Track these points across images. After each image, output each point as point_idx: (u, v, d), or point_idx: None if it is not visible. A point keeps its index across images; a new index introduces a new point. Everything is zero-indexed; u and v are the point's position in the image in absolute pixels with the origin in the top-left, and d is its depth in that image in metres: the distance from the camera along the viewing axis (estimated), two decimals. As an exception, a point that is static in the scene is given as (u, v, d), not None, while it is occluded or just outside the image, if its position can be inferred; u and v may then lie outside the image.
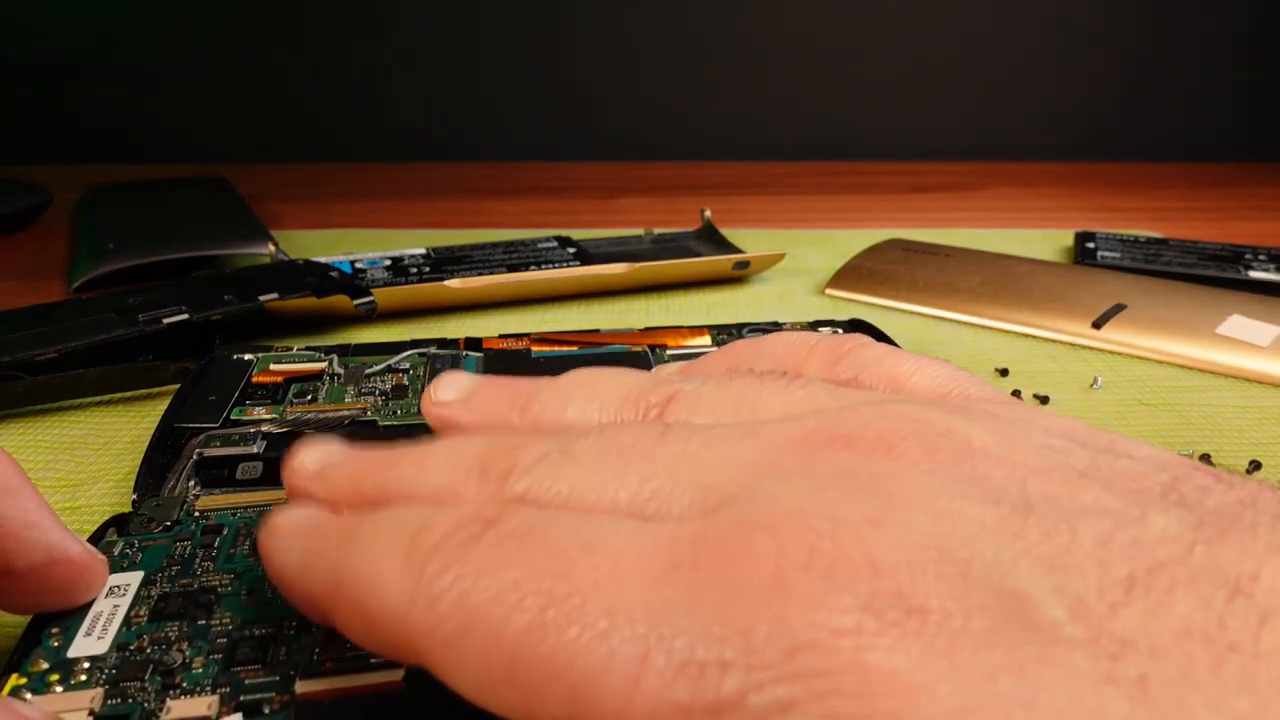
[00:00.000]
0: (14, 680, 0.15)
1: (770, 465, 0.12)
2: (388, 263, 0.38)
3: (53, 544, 0.16)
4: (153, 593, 0.17)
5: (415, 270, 0.37)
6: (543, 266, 0.38)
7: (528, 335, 0.30)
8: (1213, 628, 0.09)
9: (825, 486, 0.11)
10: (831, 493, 0.11)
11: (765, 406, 0.15)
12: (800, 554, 0.10)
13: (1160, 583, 0.09)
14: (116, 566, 0.18)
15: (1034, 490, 0.11)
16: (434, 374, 0.27)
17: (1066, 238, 0.48)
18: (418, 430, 0.24)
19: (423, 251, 0.40)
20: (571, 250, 0.40)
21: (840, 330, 0.31)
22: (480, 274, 0.37)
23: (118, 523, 0.19)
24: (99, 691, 0.15)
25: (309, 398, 0.25)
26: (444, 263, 0.38)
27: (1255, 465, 0.25)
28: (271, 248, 0.41)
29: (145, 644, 0.16)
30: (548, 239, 0.42)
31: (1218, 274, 0.40)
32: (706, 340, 0.30)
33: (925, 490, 0.11)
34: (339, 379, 0.26)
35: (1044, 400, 0.29)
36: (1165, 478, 0.11)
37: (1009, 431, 0.12)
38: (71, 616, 0.16)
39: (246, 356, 0.28)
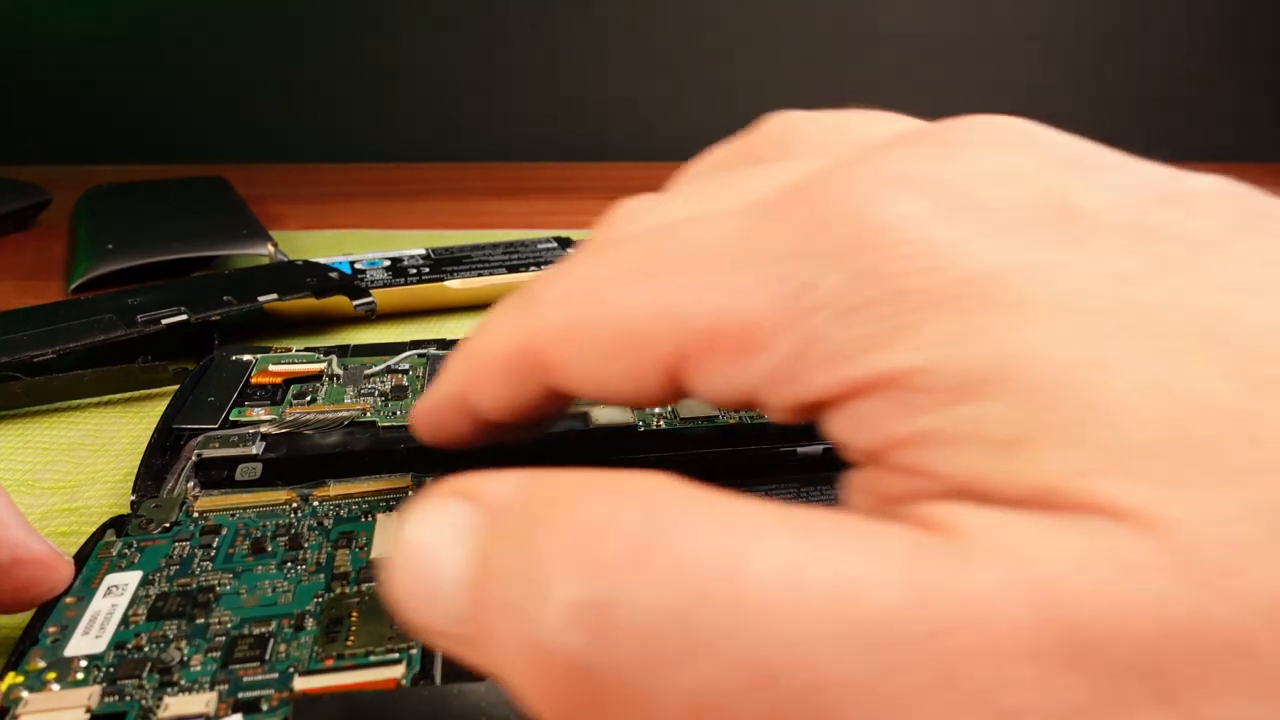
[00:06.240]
0: (10, 679, 0.15)
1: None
2: (387, 263, 0.38)
3: (17, 542, 0.16)
4: (151, 592, 0.17)
5: (415, 271, 0.37)
6: (543, 267, 0.38)
7: (527, 335, 0.30)
8: (1235, 227, 0.10)
9: (900, 146, 0.12)
10: (905, 144, 0.12)
11: (866, 135, 0.16)
12: (872, 173, 0.11)
13: (1192, 202, 0.11)
14: (115, 567, 0.18)
15: (1088, 154, 0.12)
16: (434, 375, 0.27)
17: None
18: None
19: (422, 252, 0.40)
20: (571, 251, 0.40)
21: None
22: (480, 274, 0.37)
23: (116, 524, 0.19)
24: (96, 689, 0.15)
25: (308, 399, 0.25)
26: (444, 263, 0.38)
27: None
28: (271, 248, 0.41)
29: (143, 642, 0.16)
30: (548, 239, 0.42)
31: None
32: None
33: (984, 144, 0.12)
34: (338, 380, 0.26)
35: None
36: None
37: (1080, 141, 0.13)
38: (69, 616, 0.16)
39: (245, 357, 0.28)
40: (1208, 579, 0.08)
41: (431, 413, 0.17)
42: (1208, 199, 0.11)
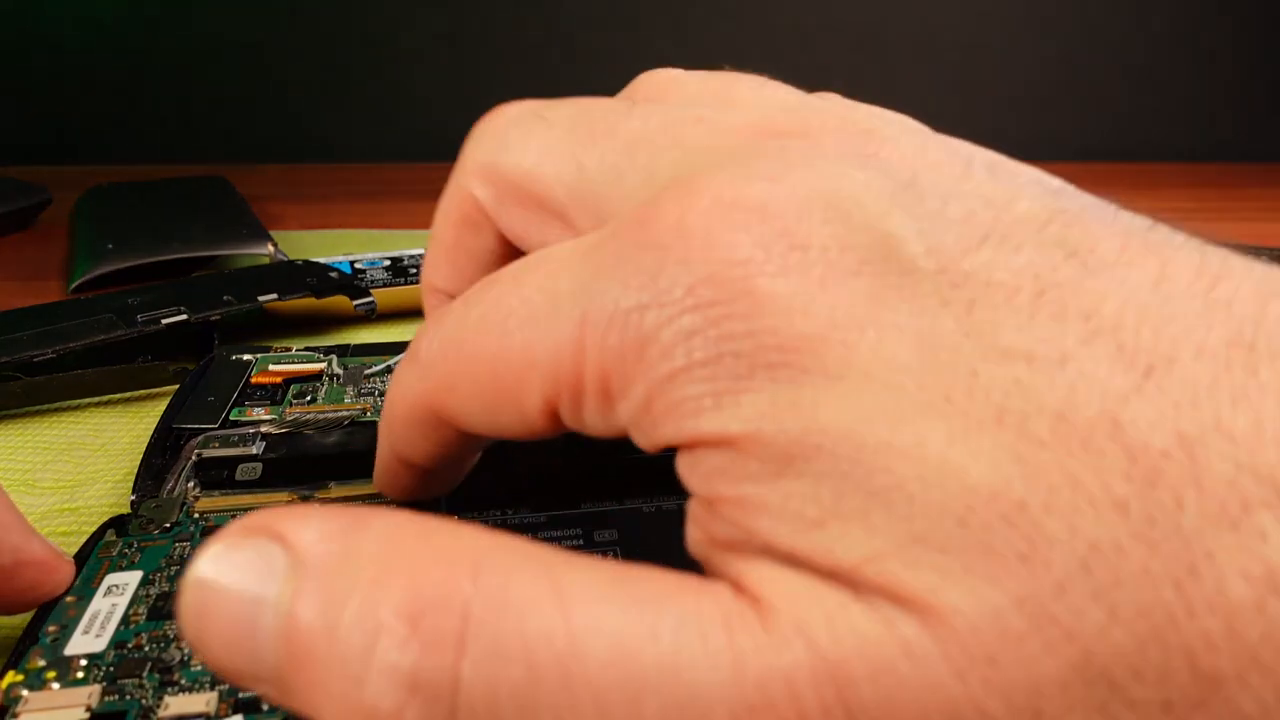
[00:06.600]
0: (10, 677, 0.15)
1: (705, 149, 0.13)
2: (387, 263, 0.38)
3: (18, 545, 0.16)
4: (151, 592, 0.17)
5: (415, 270, 0.37)
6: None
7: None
8: (1044, 272, 0.10)
9: (736, 160, 0.12)
10: (738, 162, 0.12)
11: (733, 95, 0.16)
12: (699, 204, 0.11)
13: (1010, 241, 0.11)
14: (115, 566, 0.18)
15: (921, 173, 0.12)
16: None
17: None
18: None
19: (422, 252, 0.40)
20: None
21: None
22: (480, 274, 0.37)
23: (116, 524, 0.19)
24: (96, 689, 0.15)
25: (308, 398, 0.25)
26: (443, 263, 0.38)
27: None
28: (271, 248, 0.41)
29: (144, 642, 0.16)
30: (547, 239, 0.42)
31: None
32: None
33: (823, 159, 0.12)
34: (338, 379, 0.26)
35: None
36: (1053, 182, 0.12)
37: (924, 138, 0.13)
38: (69, 615, 0.16)
39: (245, 357, 0.28)
40: (970, 667, 0.09)
41: (384, 475, 0.17)
42: (1024, 234, 0.11)
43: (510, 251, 0.17)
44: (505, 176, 0.16)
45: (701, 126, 0.14)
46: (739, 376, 0.11)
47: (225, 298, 0.31)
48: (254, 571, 0.11)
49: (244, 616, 0.10)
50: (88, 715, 0.14)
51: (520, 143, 0.16)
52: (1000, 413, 0.10)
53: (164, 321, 0.30)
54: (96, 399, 0.29)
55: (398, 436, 0.16)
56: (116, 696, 0.15)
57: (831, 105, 0.15)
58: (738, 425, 0.10)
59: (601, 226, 0.14)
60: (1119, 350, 0.10)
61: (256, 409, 0.25)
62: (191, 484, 0.21)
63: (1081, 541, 0.09)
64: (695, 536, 0.12)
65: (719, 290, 0.11)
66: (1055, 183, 0.13)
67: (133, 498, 0.21)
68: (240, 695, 0.15)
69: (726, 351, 0.11)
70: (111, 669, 0.15)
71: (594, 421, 0.12)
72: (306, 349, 0.29)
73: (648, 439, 0.12)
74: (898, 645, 0.09)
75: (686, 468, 0.11)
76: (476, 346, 0.13)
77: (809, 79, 0.16)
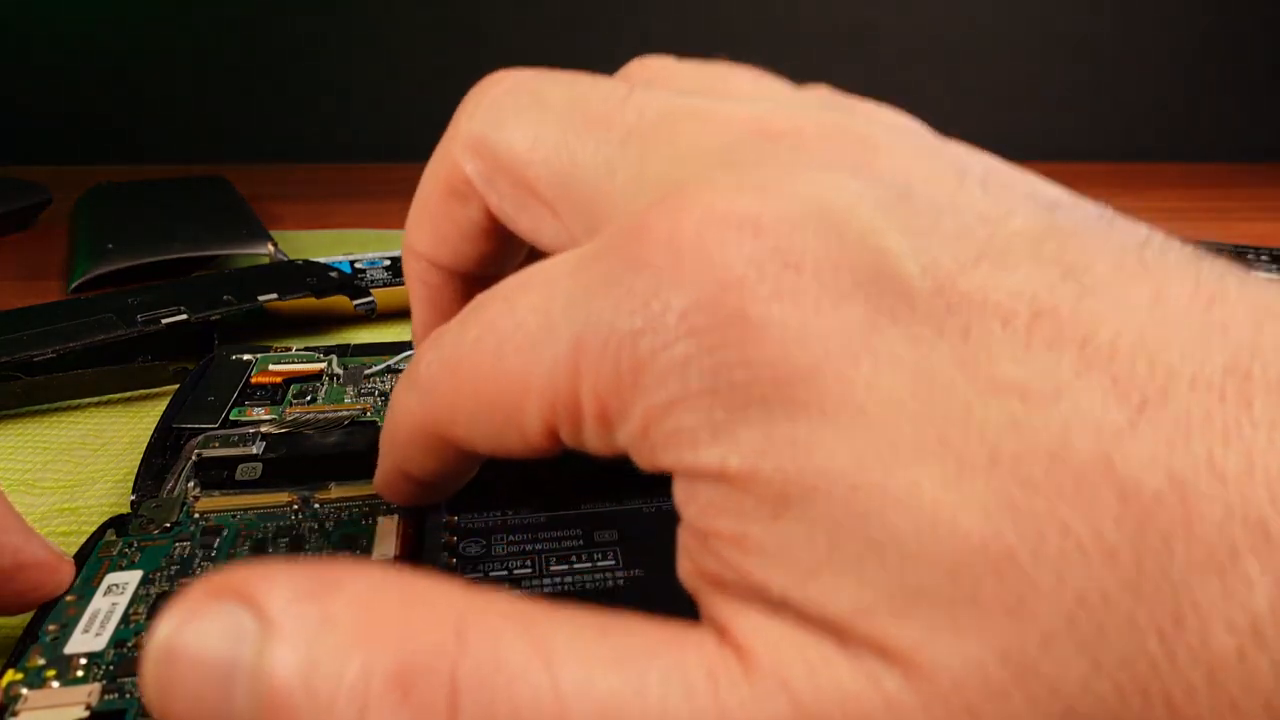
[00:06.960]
0: (10, 676, 0.15)
1: (698, 148, 0.13)
2: (387, 263, 0.38)
3: (19, 547, 0.16)
4: (151, 591, 0.17)
5: (415, 270, 0.37)
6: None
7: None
8: (1041, 293, 0.10)
9: (727, 165, 0.12)
10: (729, 168, 0.12)
11: (728, 87, 0.16)
12: (691, 219, 0.11)
13: (1006, 259, 0.10)
14: (115, 566, 0.18)
15: (916, 185, 0.12)
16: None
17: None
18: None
19: (422, 252, 0.40)
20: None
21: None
22: (479, 274, 0.37)
23: (116, 524, 0.19)
24: (96, 687, 0.15)
25: (308, 398, 0.25)
26: (443, 263, 0.38)
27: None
28: (271, 248, 0.41)
29: (144, 641, 0.16)
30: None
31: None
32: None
33: (816, 168, 0.12)
34: (338, 379, 0.26)
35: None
36: (1049, 192, 0.12)
37: (919, 144, 0.13)
38: (69, 614, 0.17)
39: (245, 357, 0.28)
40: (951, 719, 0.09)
41: (386, 485, 0.17)
42: (1020, 252, 0.11)
43: (494, 224, 0.17)
44: (497, 156, 0.16)
45: (696, 121, 0.14)
46: (735, 409, 0.10)
47: (225, 297, 0.31)
48: (223, 635, 0.10)
49: (215, 680, 0.10)
50: (87, 713, 0.14)
51: (514, 121, 0.15)
52: (994, 453, 0.09)
53: (164, 321, 0.30)
54: (96, 399, 0.29)
55: (400, 454, 0.16)
56: (116, 695, 0.15)
57: (827, 104, 0.15)
58: (735, 460, 0.10)
59: (589, 225, 0.14)
60: (1113, 383, 0.09)
61: (256, 409, 0.25)
62: (191, 484, 0.21)
63: (1069, 592, 0.09)
64: (686, 568, 0.12)
65: (712, 316, 0.10)
66: (1051, 193, 0.12)
67: (133, 498, 0.21)
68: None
69: (722, 383, 0.10)
70: (111, 667, 0.15)
71: (594, 443, 0.12)
72: (306, 349, 0.29)
73: (646, 462, 0.12)
74: (879, 698, 0.09)
75: (683, 495, 0.11)
76: (474, 370, 0.13)
77: (795, 74, 0.16)
